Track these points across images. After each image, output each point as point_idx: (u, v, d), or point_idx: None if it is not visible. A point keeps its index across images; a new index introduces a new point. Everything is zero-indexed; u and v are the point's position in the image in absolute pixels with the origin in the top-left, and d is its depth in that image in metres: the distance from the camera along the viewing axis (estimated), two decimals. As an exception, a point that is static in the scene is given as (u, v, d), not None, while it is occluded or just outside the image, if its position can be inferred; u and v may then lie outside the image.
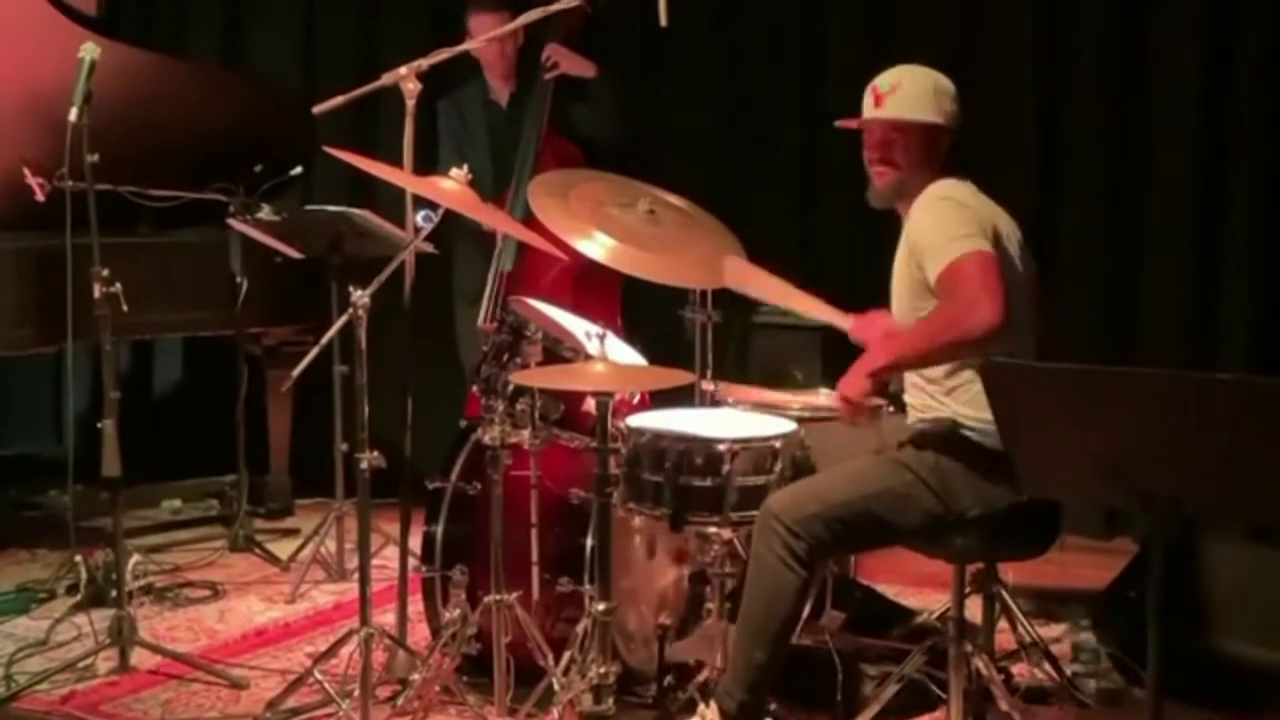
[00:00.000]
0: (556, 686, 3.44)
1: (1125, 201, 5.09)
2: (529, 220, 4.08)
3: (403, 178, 3.56)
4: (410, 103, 3.59)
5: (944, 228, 3.14)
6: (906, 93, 3.31)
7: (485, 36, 4.44)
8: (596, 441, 3.20)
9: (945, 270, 3.09)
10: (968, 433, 3.22)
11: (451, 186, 3.45)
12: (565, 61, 5.00)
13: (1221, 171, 4.95)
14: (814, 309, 3.58)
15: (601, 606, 3.20)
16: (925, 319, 3.19)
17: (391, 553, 4.53)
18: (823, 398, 3.78)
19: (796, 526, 3.09)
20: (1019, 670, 3.81)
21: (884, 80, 3.35)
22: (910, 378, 3.35)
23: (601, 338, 3.22)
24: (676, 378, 3.28)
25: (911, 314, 3.28)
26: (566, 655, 3.47)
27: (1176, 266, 5.02)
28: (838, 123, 3.41)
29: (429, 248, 4.34)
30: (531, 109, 5.03)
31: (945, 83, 3.35)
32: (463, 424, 4.00)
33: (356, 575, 3.57)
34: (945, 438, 3.23)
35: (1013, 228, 3.29)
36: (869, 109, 3.35)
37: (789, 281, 3.57)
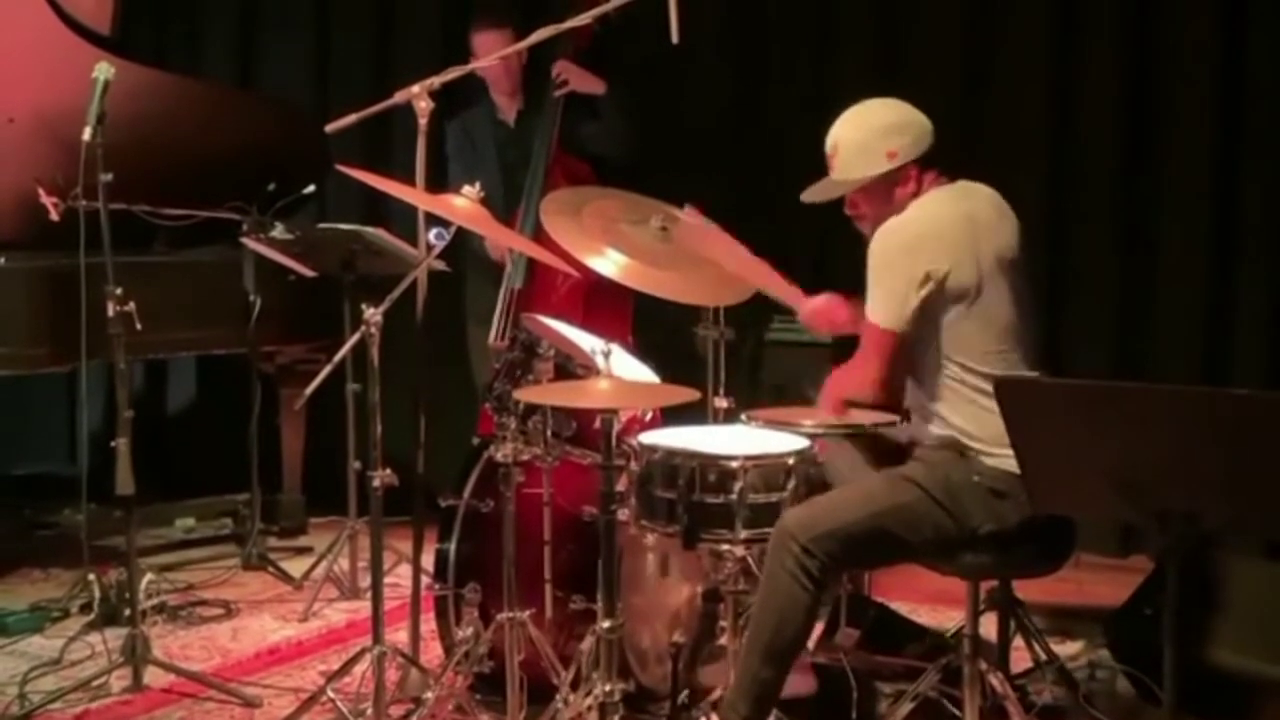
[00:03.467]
0: (561, 704, 3.43)
1: (1138, 218, 5.08)
2: (539, 239, 4.09)
3: (414, 195, 3.57)
4: (423, 120, 3.60)
5: (875, 277, 3.23)
6: (845, 155, 3.34)
7: (494, 56, 4.44)
8: (602, 458, 3.20)
9: (863, 320, 3.23)
10: (973, 451, 3.21)
11: (464, 204, 3.45)
12: (575, 78, 5.00)
13: (1235, 183, 4.93)
14: (769, 282, 3.62)
15: (607, 624, 3.19)
16: (833, 377, 3.37)
17: (404, 571, 4.53)
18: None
19: (811, 544, 3.09)
20: (1034, 688, 3.79)
21: (829, 141, 3.38)
22: (909, 401, 3.37)
23: (608, 354, 3.21)
24: (682, 395, 3.27)
25: None
26: (569, 673, 3.47)
27: (1190, 279, 5.00)
28: (803, 197, 3.43)
29: (441, 265, 4.35)
30: (541, 126, 5.04)
31: (888, 117, 3.34)
32: (475, 441, 4.00)
33: (369, 593, 3.57)
34: (954, 456, 3.24)
35: (996, 243, 3.28)
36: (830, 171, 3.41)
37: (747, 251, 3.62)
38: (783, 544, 3.12)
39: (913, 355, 3.27)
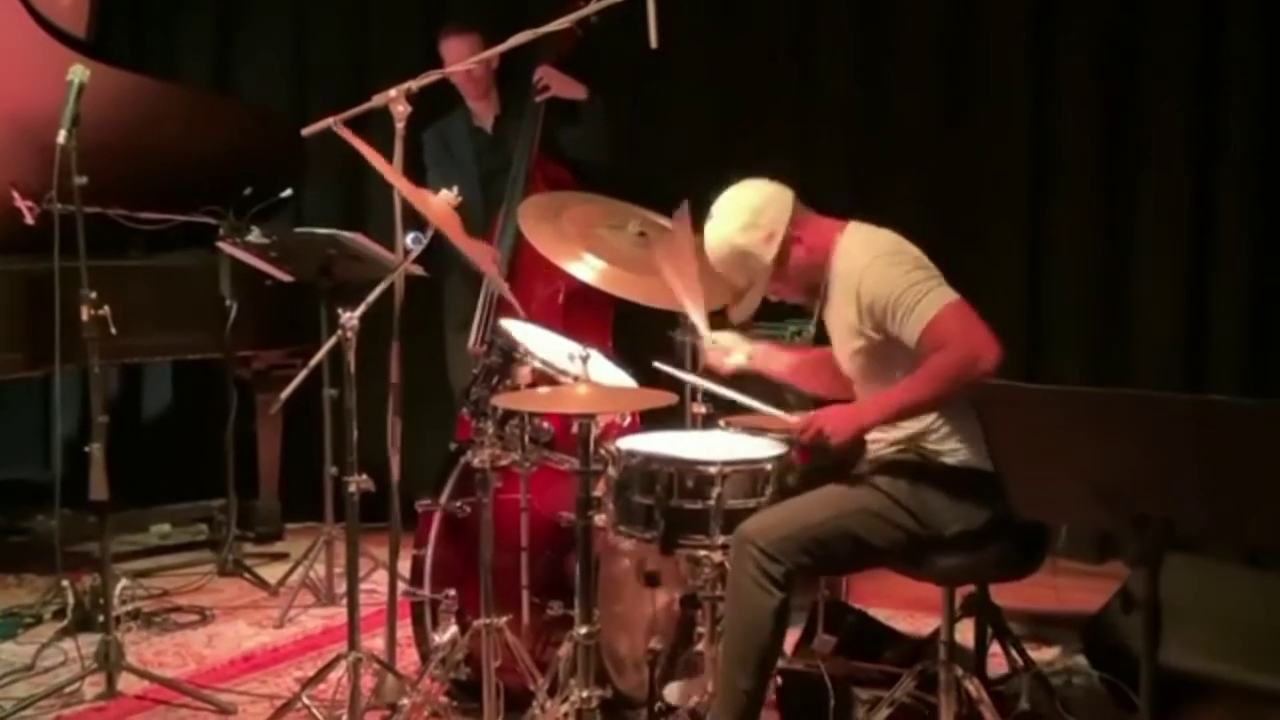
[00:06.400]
0: (538, 711, 3.42)
1: (1115, 224, 5.10)
2: (519, 245, 4.09)
3: (397, 178, 3.54)
4: (400, 125, 3.59)
5: (903, 287, 3.15)
6: (735, 264, 3.32)
7: (470, 62, 4.43)
8: (579, 463, 3.19)
9: (928, 329, 3.11)
10: (933, 454, 3.23)
11: (440, 203, 3.44)
12: (556, 83, 5.00)
13: (1212, 191, 4.95)
14: (699, 311, 3.49)
15: (584, 630, 3.19)
16: (921, 372, 3.16)
17: (381, 577, 4.52)
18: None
19: (771, 549, 3.09)
20: (1010, 694, 3.79)
21: (718, 269, 3.35)
22: None
23: (585, 359, 3.20)
24: (658, 399, 3.27)
25: (875, 374, 3.28)
26: (546, 680, 3.46)
27: (1167, 286, 5.02)
28: (733, 319, 3.42)
29: (419, 270, 4.34)
30: (522, 132, 5.03)
31: (741, 216, 3.30)
32: (453, 447, 3.99)
33: (345, 600, 3.56)
34: (913, 459, 3.25)
35: None
36: None
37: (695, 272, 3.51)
38: (742, 550, 3.12)
39: (878, 360, 3.26)
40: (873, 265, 3.21)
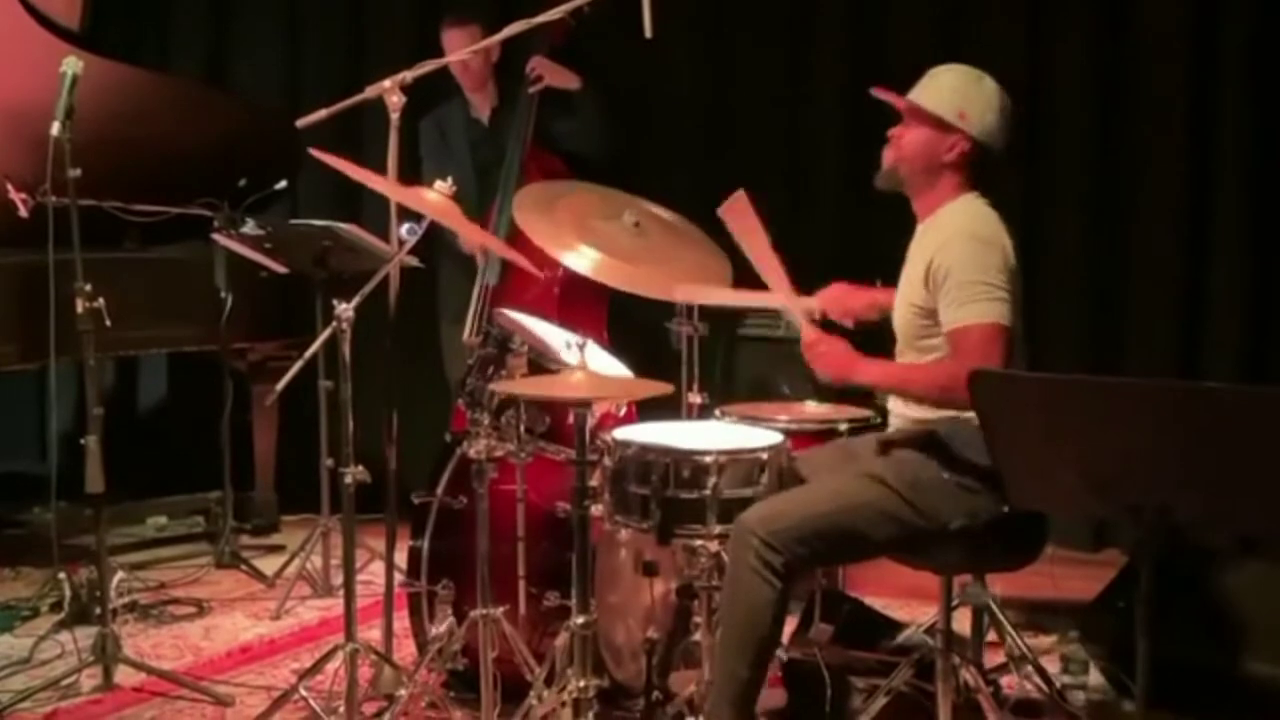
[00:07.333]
0: (535, 701, 3.42)
1: (1111, 211, 5.10)
2: (514, 236, 4.07)
3: (387, 185, 3.55)
4: (394, 115, 3.58)
5: (971, 278, 3.12)
6: (937, 83, 3.29)
7: (466, 51, 4.42)
8: (575, 453, 3.19)
9: (958, 328, 3.12)
10: (948, 440, 3.20)
11: (435, 198, 3.44)
12: (549, 74, 4.99)
13: (1209, 178, 4.95)
14: (779, 284, 3.43)
15: (580, 620, 3.19)
16: (930, 366, 3.20)
17: (377, 568, 4.51)
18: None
19: (771, 539, 3.08)
20: (1007, 682, 3.80)
21: (935, 68, 3.33)
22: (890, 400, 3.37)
23: (581, 347, 3.20)
24: (654, 388, 3.27)
25: (915, 334, 3.27)
26: (543, 670, 3.47)
27: (1164, 274, 5.02)
28: (874, 90, 3.34)
29: (414, 261, 4.33)
30: (515, 123, 5.02)
31: (988, 92, 3.26)
32: (448, 438, 3.99)
33: (342, 591, 3.56)
34: (924, 448, 3.23)
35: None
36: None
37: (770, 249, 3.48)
38: (743, 540, 3.11)
39: (921, 322, 3.24)
40: (963, 240, 3.18)
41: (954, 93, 3.26)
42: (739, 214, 3.36)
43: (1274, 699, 3.57)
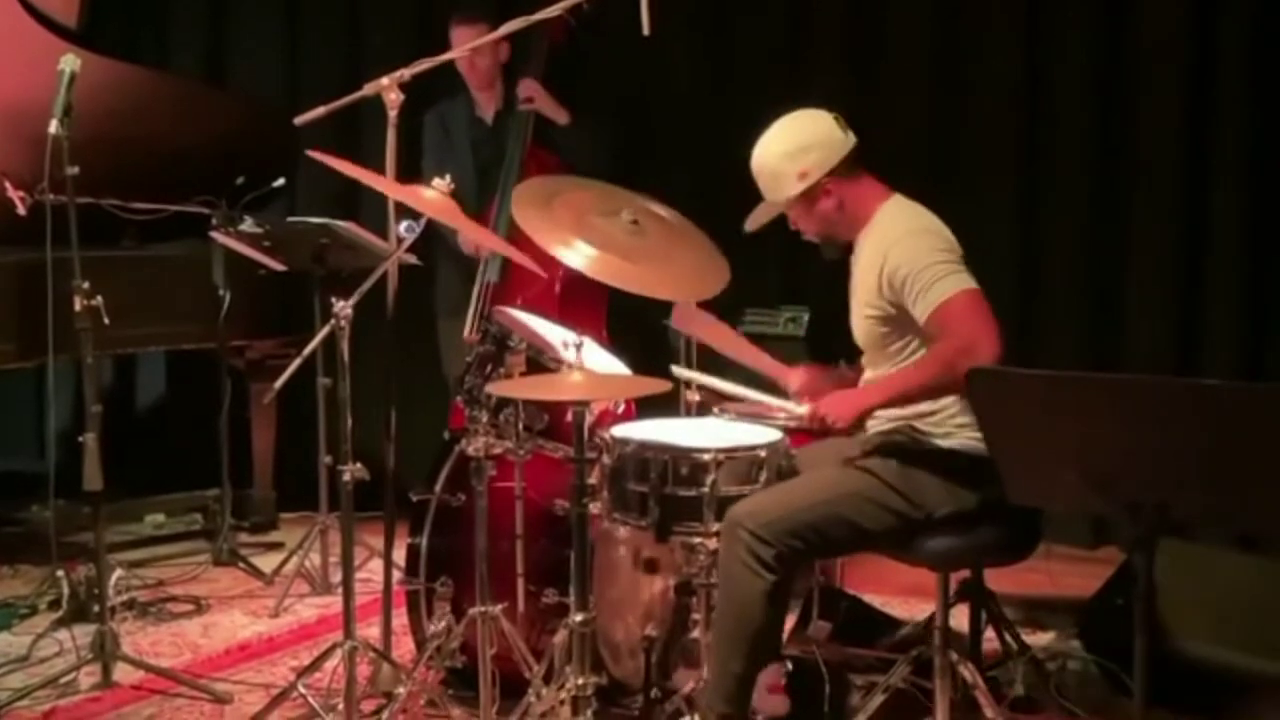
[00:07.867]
0: (533, 698, 3.42)
1: (1109, 207, 5.09)
2: (513, 235, 4.06)
3: (384, 184, 3.54)
4: (392, 113, 3.57)
5: (925, 264, 3.19)
6: (764, 181, 3.41)
7: (466, 46, 4.42)
8: (574, 450, 3.19)
9: (936, 311, 3.16)
10: (925, 435, 3.26)
11: (433, 196, 3.43)
12: (540, 100, 5.02)
13: (1207, 175, 4.95)
14: (757, 361, 3.68)
15: (579, 617, 3.19)
16: (923, 358, 3.25)
17: (376, 566, 4.51)
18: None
19: (761, 531, 3.10)
20: (1005, 679, 3.80)
21: (752, 167, 3.42)
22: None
23: (579, 346, 3.20)
24: (652, 386, 3.27)
25: (880, 343, 3.33)
26: (541, 667, 3.46)
27: (1162, 269, 5.02)
28: (746, 226, 3.48)
29: (412, 259, 4.33)
30: (514, 127, 5.03)
31: (793, 140, 3.36)
32: (447, 435, 3.99)
33: (340, 588, 3.56)
34: (905, 443, 3.27)
35: None
36: None
37: (735, 333, 3.74)
38: (733, 534, 3.13)
39: (887, 329, 3.29)
40: (903, 239, 3.25)
41: (779, 172, 3.36)
42: (689, 319, 3.53)
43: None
